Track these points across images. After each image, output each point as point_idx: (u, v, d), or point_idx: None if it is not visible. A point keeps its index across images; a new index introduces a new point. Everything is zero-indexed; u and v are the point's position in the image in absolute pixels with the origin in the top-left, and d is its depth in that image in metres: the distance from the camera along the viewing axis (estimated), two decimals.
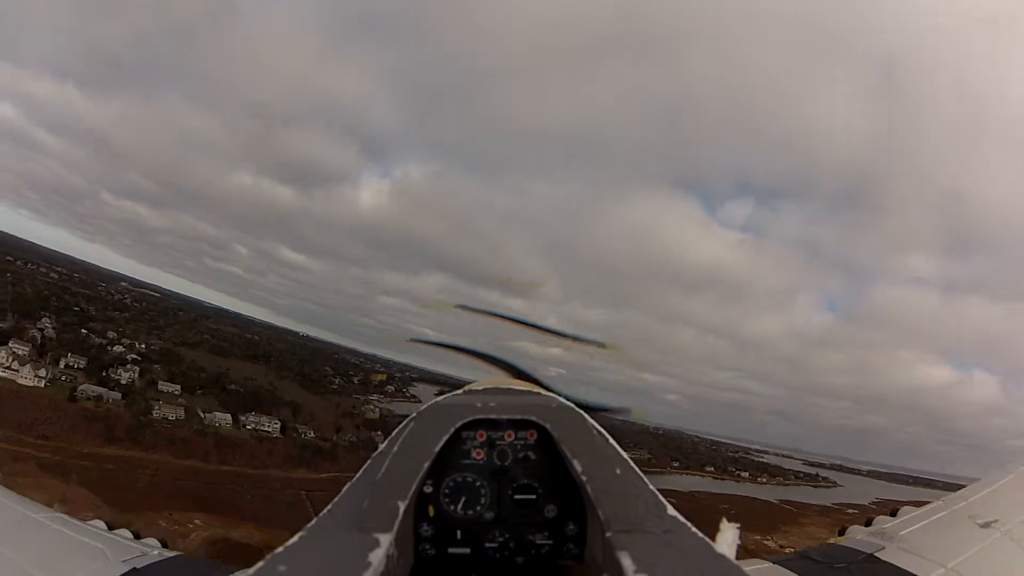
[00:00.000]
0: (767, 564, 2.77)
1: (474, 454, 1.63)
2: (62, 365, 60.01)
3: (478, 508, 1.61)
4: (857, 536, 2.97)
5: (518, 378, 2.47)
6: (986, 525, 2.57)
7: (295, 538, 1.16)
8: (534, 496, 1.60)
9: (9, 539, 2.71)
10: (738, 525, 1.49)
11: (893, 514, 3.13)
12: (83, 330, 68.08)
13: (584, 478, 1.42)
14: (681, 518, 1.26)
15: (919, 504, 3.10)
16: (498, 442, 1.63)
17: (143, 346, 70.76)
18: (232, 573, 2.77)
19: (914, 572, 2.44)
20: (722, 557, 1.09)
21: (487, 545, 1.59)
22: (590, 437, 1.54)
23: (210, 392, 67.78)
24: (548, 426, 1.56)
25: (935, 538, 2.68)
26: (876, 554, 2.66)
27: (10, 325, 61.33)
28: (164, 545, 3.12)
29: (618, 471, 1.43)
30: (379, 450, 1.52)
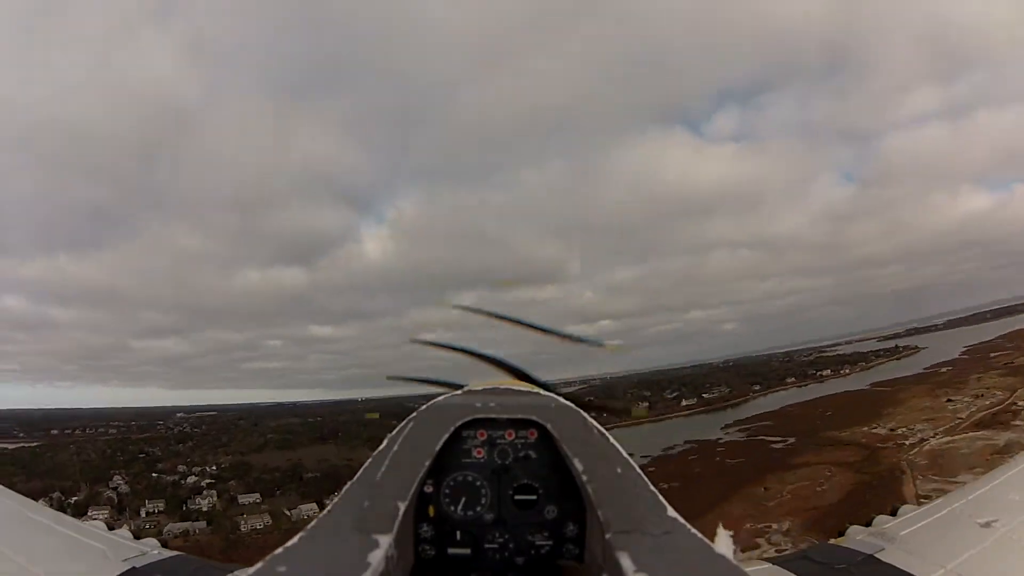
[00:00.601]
0: (767, 564, 2.76)
1: (475, 453, 1.62)
2: (143, 514, 61.10)
3: (478, 508, 1.61)
4: (857, 536, 2.96)
5: (520, 380, 2.47)
6: (986, 525, 2.57)
7: (295, 539, 1.16)
8: (534, 497, 1.60)
9: (9, 539, 2.70)
10: (731, 532, 1.49)
11: (893, 514, 3.13)
12: (153, 474, 69.74)
13: (584, 477, 1.42)
14: (681, 519, 1.26)
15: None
16: (498, 441, 1.63)
17: (213, 468, 72.07)
18: (232, 573, 2.78)
19: (914, 573, 2.43)
20: (721, 557, 1.09)
21: (487, 546, 1.59)
22: (590, 436, 1.54)
23: (288, 488, 69.14)
24: (548, 425, 1.56)
25: (935, 538, 2.67)
26: (876, 554, 2.65)
27: (85, 495, 62.79)
28: (164, 545, 3.12)
29: (619, 470, 1.43)
30: (379, 450, 1.52)
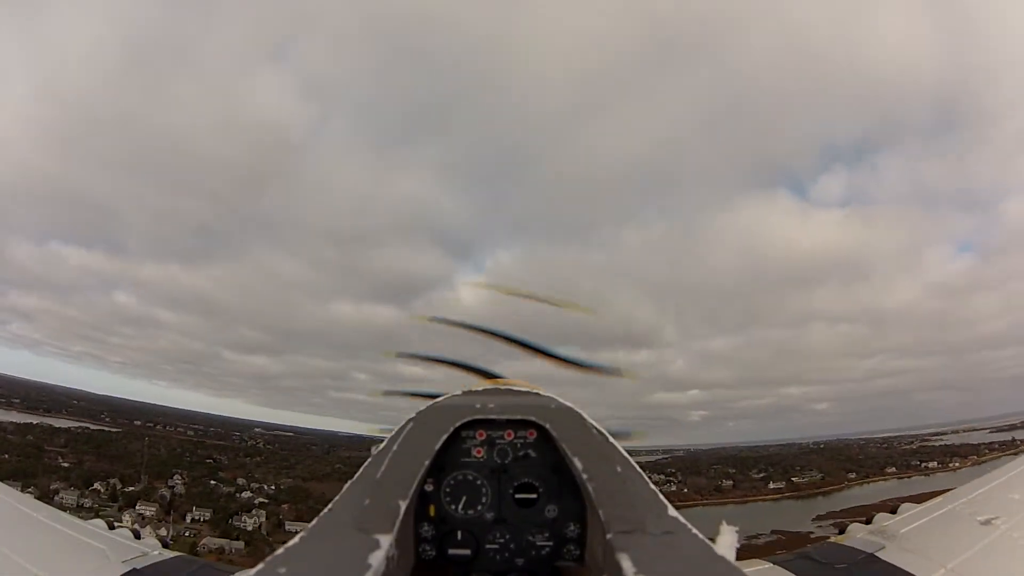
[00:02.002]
0: (767, 565, 2.76)
1: (474, 452, 1.63)
2: (188, 520, 60.34)
3: (479, 507, 1.61)
4: (857, 535, 2.96)
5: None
6: (987, 523, 2.57)
7: (296, 539, 1.15)
8: (535, 496, 1.60)
9: (9, 539, 2.70)
10: (736, 528, 1.48)
11: (893, 512, 3.13)
12: (212, 481, 69.14)
13: (585, 476, 1.41)
14: (682, 519, 1.25)
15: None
16: (498, 441, 1.63)
17: (272, 487, 71.41)
18: (233, 574, 2.78)
19: (914, 572, 2.43)
20: (722, 558, 1.09)
21: (487, 546, 1.59)
22: (590, 436, 1.54)
23: None
24: (547, 425, 1.56)
25: (935, 537, 2.67)
26: (876, 553, 2.65)
27: (142, 487, 62.67)
28: (165, 545, 3.12)
29: (619, 470, 1.42)
30: (378, 450, 1.52)
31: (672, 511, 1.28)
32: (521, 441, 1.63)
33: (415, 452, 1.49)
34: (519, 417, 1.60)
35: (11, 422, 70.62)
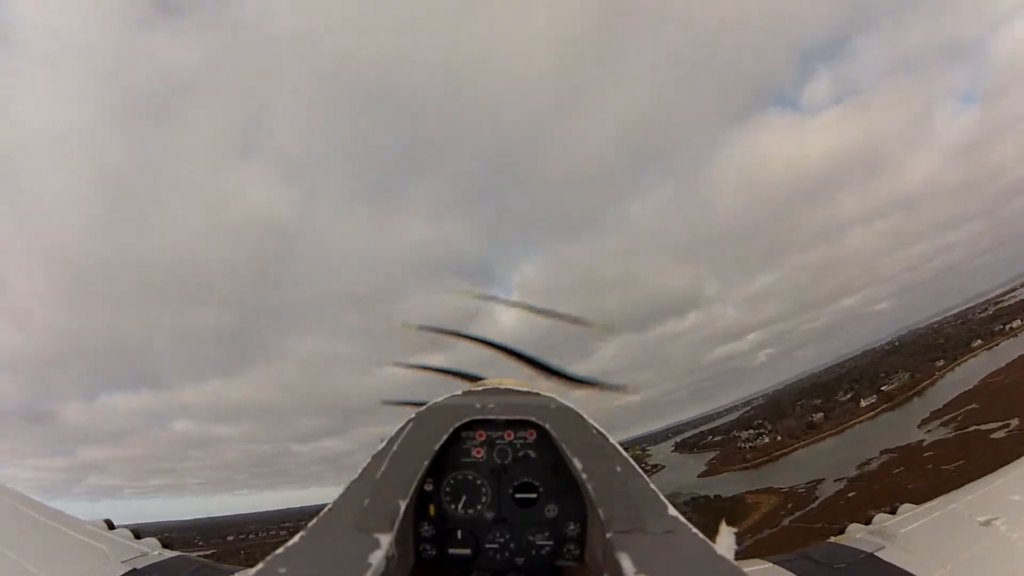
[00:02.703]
0: (767, 564, 2.77)
1: (474, 453, 1.63)
2: None
3: (479, 507, 1.61)
4: (857, 535, 2.96)
5: (543, 372, 2.46)
6: (986, 523, 2.57)
7: (295, 538, 1.15)
8: (535, 495, 1.60)
9: (9, 538, 2.70)
10: (735, 529, 1.49)
11: (893, 512, 3.13)
12: None
13: (584, 476, 1.42)
14: (681, 518, 1.25)
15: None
16: (497, 441, 1.63)
17: None
18: (232, 574, 2.78)
19: (914, 572, 2.43)
20: (722, 558, 1.09)
21: (487, 546, 1.59)
22: (589, 436, 1.54)
23: None
24: (547, 425, 1.57)
25: (935, 537, 2.67)
26: (876, 553, 2.66)
27: None
28: (164, 545, 3.12)
29: (618, 469, 1.43)
30: (378, 450, 1.52)
31: (672, 510, 1.29)
32: (521, 441, 1.63)
33: (415, 452, 1.49)
34: (518, 417, 1.60)
35: None
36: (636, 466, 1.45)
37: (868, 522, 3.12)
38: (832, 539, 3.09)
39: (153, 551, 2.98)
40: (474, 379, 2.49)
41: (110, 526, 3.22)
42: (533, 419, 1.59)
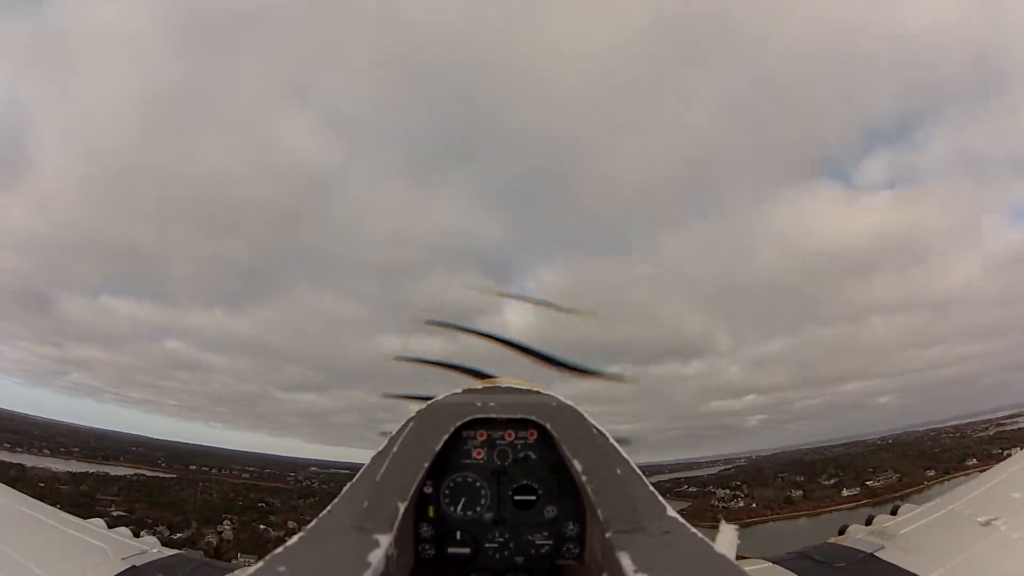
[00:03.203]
0: (767, 564, 2.77)
1: (474, 454, 1.62)
2: None
3: (478, 509, 1.61)
4: (857, 535, 2.97)
5: (550, 365, 2.46)
6: (986, 523, 2.56)
7: (295, 538, 1.15)
8: (534, 497, 1.60)
9: (9, 537, 2.70)
10: (736, 527, 1.48)
11: (893, 512, 3.13)
12: (262, 526, 67.30)
13: (584, 478, 1.41)
14: (681, 519, 1.26)
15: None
16: (498, 442, 1.63)
17: None
18: (232, 573, 2.78)
19: (914, 571, 2.43)
20: (721, 557, 1.09)
21: (487, 545, 1.59)
22: (590, 437, 1.53)
23: None
24: (548, 425, 1.56)
25: (935, 537, 2.67)
26: (876, 553, 2.66)
27: (190, 534, 61.49)
28: (164, 543, 3.13)
29: (618, 471, 1.42)
30: (379, 450, 1.51)
31: (671, 512, 1.29)
32: (521, 442, 1.62)
33: (415, 453, 1.49)
34: (520, 416, 1.59)
35: (67, 472, 70.00)
36: (635, 467, 1.45)
37: (868, 522, 3.12)
38: (832, 539, 3.09)
39: (153, 549, 2.98)
40: (481, 376, 2.49)
41: (109, 524, 3.23)
42: (534, 418, 1.58)
